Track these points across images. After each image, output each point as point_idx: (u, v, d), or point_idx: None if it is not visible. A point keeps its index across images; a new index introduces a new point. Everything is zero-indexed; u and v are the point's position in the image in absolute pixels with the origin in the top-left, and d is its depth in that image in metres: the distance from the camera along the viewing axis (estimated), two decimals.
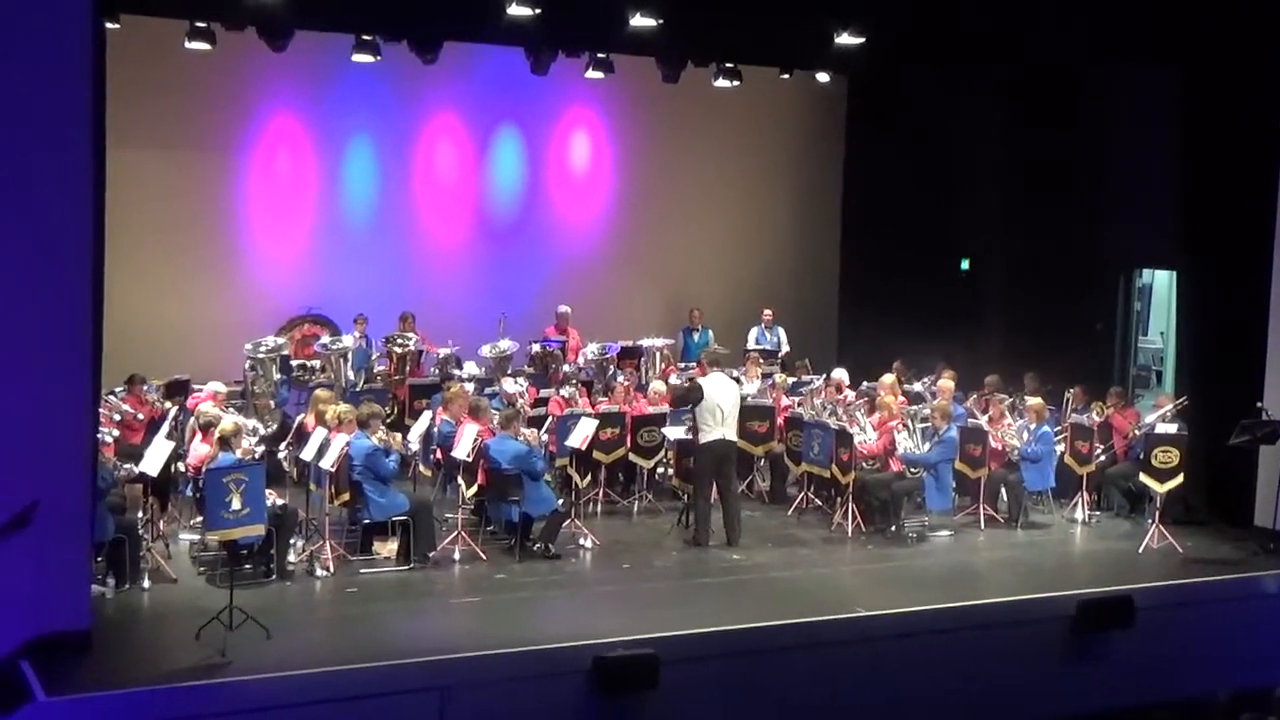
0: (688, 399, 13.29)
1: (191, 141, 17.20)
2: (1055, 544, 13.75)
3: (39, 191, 9.29)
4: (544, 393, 15.06)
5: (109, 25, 12.27)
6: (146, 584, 11.13)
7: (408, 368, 16.52)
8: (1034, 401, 14.43)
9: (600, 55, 16.78)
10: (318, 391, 13.57)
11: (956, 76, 17.22)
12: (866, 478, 13.71)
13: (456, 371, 16.06)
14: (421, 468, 13.65)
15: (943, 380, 15.34)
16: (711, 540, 13.00)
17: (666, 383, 15.60)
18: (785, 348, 18.60)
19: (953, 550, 13.41)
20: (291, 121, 17.99)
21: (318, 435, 12.05)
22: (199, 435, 12.25)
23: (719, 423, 12.97)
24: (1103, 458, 14.50)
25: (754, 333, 18.77)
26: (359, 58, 15.97)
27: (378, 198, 18.55)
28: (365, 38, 15.66)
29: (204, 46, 15.39)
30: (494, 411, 12.97)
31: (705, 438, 13.00)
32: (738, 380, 15.09)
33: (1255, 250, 13.96)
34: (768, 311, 18.80)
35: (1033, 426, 14.12)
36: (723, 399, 13.01)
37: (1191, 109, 14.64)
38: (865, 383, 15.66)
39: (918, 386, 15.89)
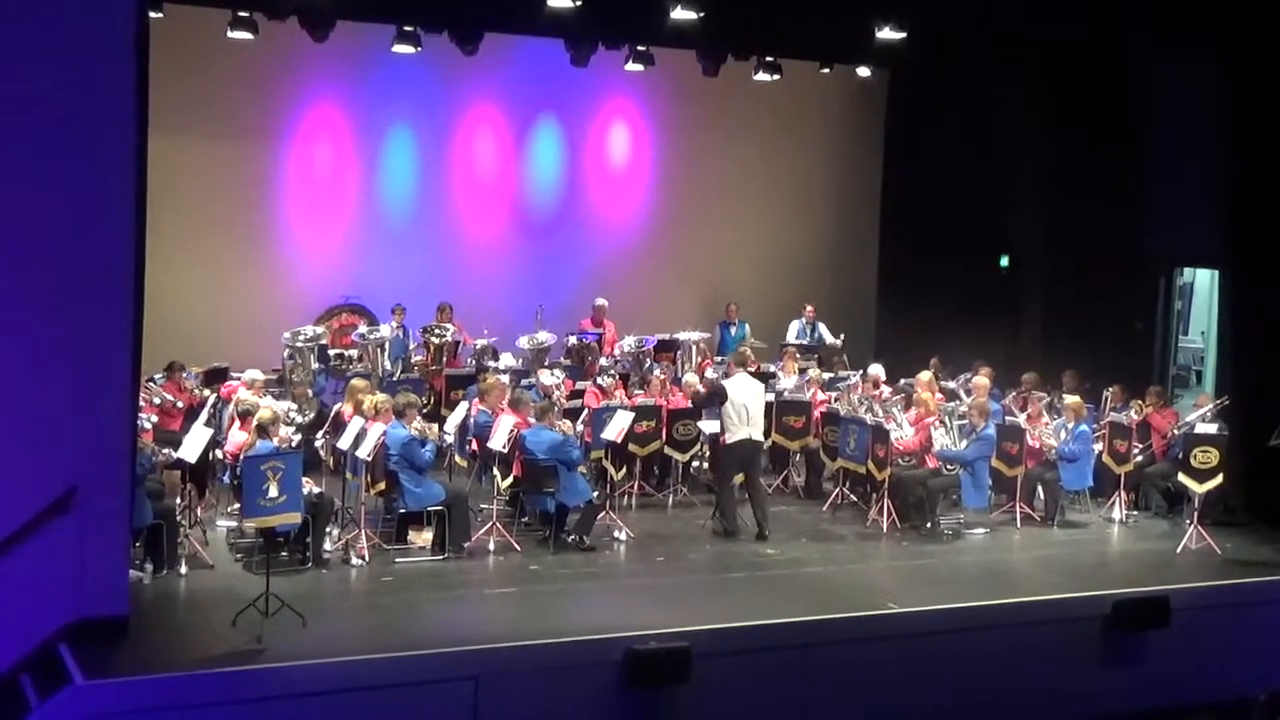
0: (710, 402, 13.34)
1: (232, 130, 17.26)
2: (1092, 543, 13.67)
3: (82, 179, 9.36)
4: (580, 385, 15.07)
5: (152, 14, 12.34)
6: (184, 570, 11.22)
7: (445, 358, 16.56)
8: (1071, 400, 14.35)
9: (640, 48, 16.76)
10: (354, 381, 13.59)
11: (998, 72, 17.13)
12: (902, 474, 13.66)
13: (492, 363, 16.09)
14: (457, 458, 13.69)
15: (977, 378, 15.23)
16: (742, 534, 13.01)
17: (702, 377, 15.59)
18: (830, 339, 18.47)
19: (988, 548, 13.35)
20: (332, 111, 18.04)
21: (354, 424, 12.10)
22: (237, 422, 12.32)
23: (744, 422, 13.01)
24: (1140, 457, 14.41)
25: (794, 327, 18.69)
26: (400, 48, 16.00)
27: (417, 188, 18.59)
28: (406, 28, 15.70)
29: (246, 36, 15.46)
30: (533, 403, 12.99)
31: (731, 438, 13.06)
32: (774, 376, 15.10)
33: None
34: (809, 307, 18.71)
35: (1070, 425, 14.04)
36: (747, 399, 13.05)
37: (1237, 104, 14.50)
38: (903, 379, 15.60)
39: (953, 384, 15.81)
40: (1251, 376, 14.42)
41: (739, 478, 13.35)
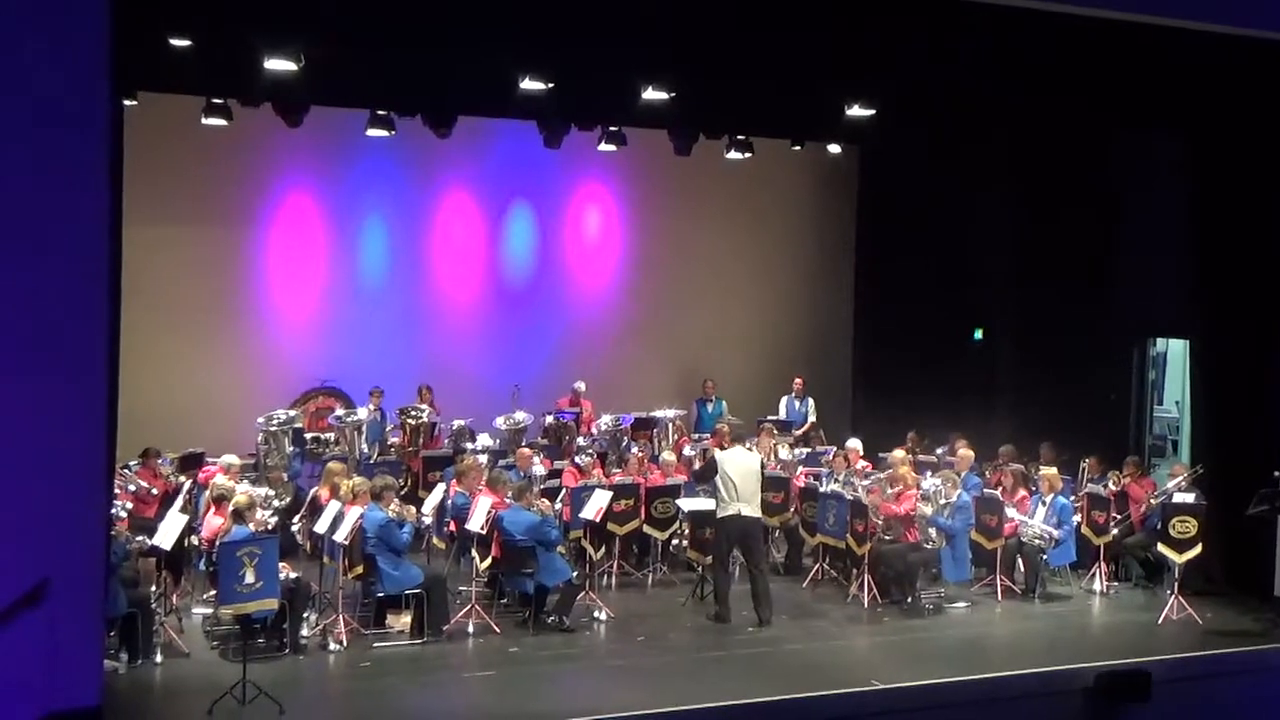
0: (706, 474, 13.25)
1: (207, 217, 17.32)
2: (1073, 615, 13.65)
3: (56, 266, 9.33)
4: (557, 465, 15.05)
5: (126, 102, 12.40)
6: (159, 659, 11.13)
7: (421, 440, 16.52)
8: (1048, 471, 14.32)
9: (613, 128, 16.89)
10: (331, 464, 13.57)
11: (968, 148, 17.29)
12: (882, 549, 13.63)
13: (469, 444, 16.07)
14: (435, 540, 13.63)
15: (961, 450, 15.20)
16: (734, 617, 12.87)
17: (679, 455, 15.57)
18: (812, 417, 18.53)
19: (969, 622, 13.32)
20: (306, 197, 18.11)
21: (331, 508, 12.05)
22: (213, 508, 12.25)
23: (732, 498, 12.76)
24: (1116, 530, 14.40)
25: (784, 402, 18.72)
26: (374, 132, 16.07)
27: (392, 272, 18.63)
28: (380, 113, 15.79)
29: (220, 122, 15.54)
30: (510, 483, 12.95)
31: (720, 513, 12.87)
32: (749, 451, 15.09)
33: (1269, 317, 13.94)
34: (798, 380, 18.75)
35: (1048, 499, 14.02)
36: (734, 472, 12.81)
37: (1201, 177, 14.69)
38: (880, 454, 15.59)
39: (933, 457, 15.79)
40: (1227, 445, 14.47)
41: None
